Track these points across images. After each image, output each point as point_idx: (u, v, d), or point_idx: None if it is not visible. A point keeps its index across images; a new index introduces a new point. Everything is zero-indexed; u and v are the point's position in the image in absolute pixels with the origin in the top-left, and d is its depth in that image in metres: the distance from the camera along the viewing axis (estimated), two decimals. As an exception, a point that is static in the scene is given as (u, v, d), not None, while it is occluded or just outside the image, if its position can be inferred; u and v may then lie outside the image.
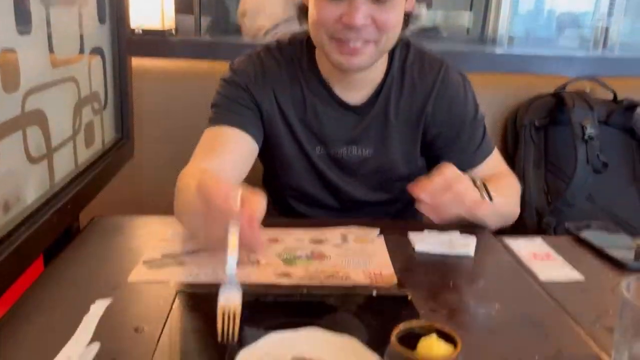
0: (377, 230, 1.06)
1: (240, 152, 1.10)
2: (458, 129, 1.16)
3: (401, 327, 0.60)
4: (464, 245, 0.99)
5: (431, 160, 1.19)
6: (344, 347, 0.66)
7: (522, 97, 1.74)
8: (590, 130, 1.52)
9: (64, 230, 0.96)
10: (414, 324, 0.61)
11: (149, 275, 0.86)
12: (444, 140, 1.17)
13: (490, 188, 1.00)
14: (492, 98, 1.73)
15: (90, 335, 0.63)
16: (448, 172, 0.93)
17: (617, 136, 1.64)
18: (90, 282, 0.83)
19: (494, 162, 1.19)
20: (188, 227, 0.95)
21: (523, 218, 1.48)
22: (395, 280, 0.87)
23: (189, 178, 0.93)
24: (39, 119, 0.90)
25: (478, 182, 0.99)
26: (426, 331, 0.61)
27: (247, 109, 1.12)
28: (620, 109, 1.65)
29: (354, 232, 1.06)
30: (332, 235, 1.05)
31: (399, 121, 1.15)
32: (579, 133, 1.53)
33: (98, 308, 0.65)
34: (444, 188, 0.92)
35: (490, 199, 0.98)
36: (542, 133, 1.65)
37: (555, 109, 1.65)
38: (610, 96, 1.70)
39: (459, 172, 0.94)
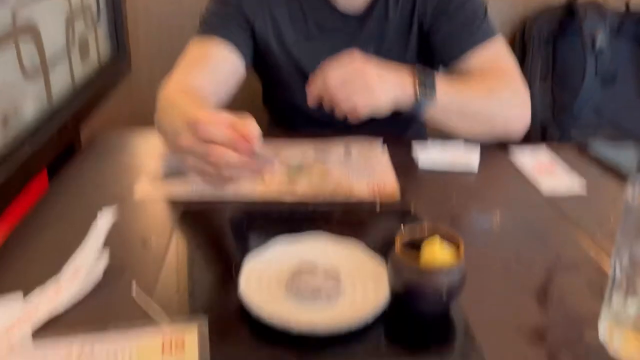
0: (380, 145, 1.05)
1: (225, 70, 1.05)
2: (450, 14, 1.08)
3: (405, 231, 0.61)
4: (467, 160, 0.99)
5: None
6: (349, 251, 0.67)
7: (533, 9, 1.68)
8: (601, 41, 1.48)
9: (65, 146, 0.95)
10: (417, 228, 0.62)
11: (153, 191, 0.86)
12: (436, 29, 1.09)
13: (456, 82, 0.93)
14: (501, 10, 1.67)
15: (99, 246, 0.64)
16: (335, 63, 0.88)
17: (628, 47, 1.59)
18: (95, 197, 0.84)
19: (490, 55, 1.06)
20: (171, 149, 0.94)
21: (527, 131, 1.46)
22: (398, 192, 0.88)
23: (171, 97, 0.91)
24: (31, 31, 0.87)
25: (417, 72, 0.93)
26: (430, 236, 0.61)
27: (236, 25, 1.07)
28: (632, 19, 1.59)
29: (357, 147, 1.06)
30: (336, 149, 1.04)
31: (396, 22, 1.10)
32: (589, 44, 1.48)
33: (106, 217, 0.66)
34: (338, 79, 0.87)
35: (432, 88, 0.92)
36: (550, 45, 1.60)
37: (565, 19, 1.59)
38: (622, 7, 1.64)
39: (352, 58, 0.90)
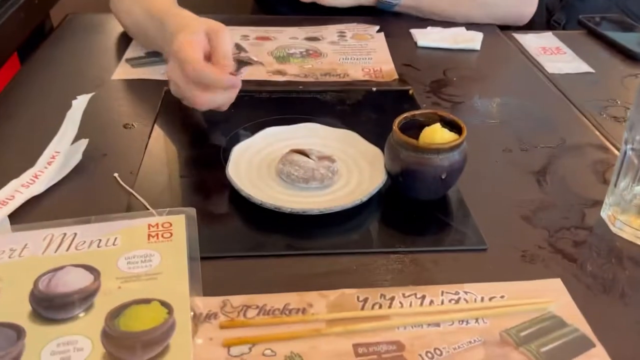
0: (377, 27, 0.98)
1: None
2: None
3: (403, 116, 0.57)
4: (470, 39, 0.93)
5: None
6: (342, 139, 0.64)
7: None
8: None
9: (35, 27, 0.88)
10: (416, 113, 0.58)
11: (133, 74, 0.80)
12: None
13: None
14: None
15: (75, 130, 0.60)
16: None
17: None
18: (71, 80, 0.78)
19: None
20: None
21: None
22: (396, 75, 0.83)
23: None
24: None
25: None
26: (430, 121, 0.57)
27: None
28: None
29: (352, 29, 0.99)
30: (329, 32, 0.97)
31: None
32: None
33: (80, 102, 0.61)
34: None
35: None
36: None
37: None
38: None
39: None
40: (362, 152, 0.61)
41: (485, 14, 0.99)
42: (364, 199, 0.53)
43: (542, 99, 0.78)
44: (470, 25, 0.97)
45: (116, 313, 0.43)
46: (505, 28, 1.01)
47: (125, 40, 0.89)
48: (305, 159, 0.57)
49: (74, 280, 0.46)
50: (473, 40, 0.92)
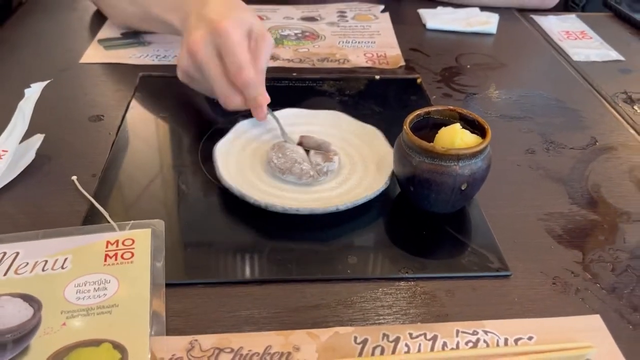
0: (381, 6, 0.89)
1: None
2: None
3: (416, 113, 0.48)
4: (485, 21, 0.84)
5: None
6: (363, 135, 0.56)
7: None
8: None
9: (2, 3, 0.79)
10: (431, 110, 0.49)
11: (105, 57, 0.71)
12: None
13: None
14: None
15: (26, 124, 0.51)
16: None
17: None
18: (34, 63, 0.69)
19: None
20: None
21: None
22: (402, 62, 0.73)
23: None
24: None
25: None
26: (447, 119, 0.49)
27: None
28: None
29: (353, 8, 0.89)
30: (328, 11, 0.88)
31: None
32: None
33: (34, 91, 0.52)
34: None
35: None
36: None
37: None
38: None
39: None
40: (375, 151, 0.53)
41: None
42: (341, 208, 0.45)
43: (568, 90, 0.69)
44: (485, 7, 0.88)
45: (57, 359, 0.35)
46: (522, 9, 0.92)
47: (99, 19, 0.79)
48: (296, 148, 0.50)
49: (10, 315, 0.37)
50: (488, 22, 0.83)
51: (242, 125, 0.55)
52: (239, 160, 0.52)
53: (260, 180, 0.50)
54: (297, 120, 0.57)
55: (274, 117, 0.56)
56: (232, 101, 0.54)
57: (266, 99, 0.54)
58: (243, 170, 0.51)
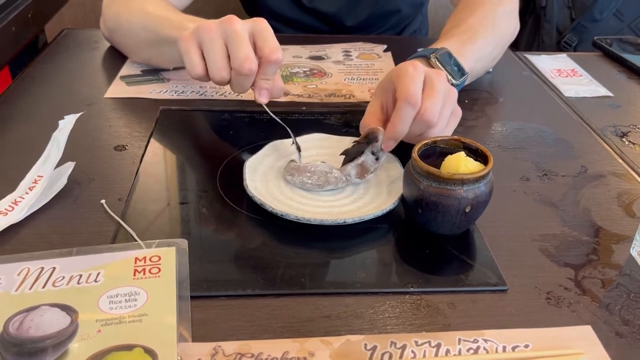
0: (384, 46, 0.95)
1: None
2: None
3: (423, 142, 0.53)
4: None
5: None
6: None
7: None
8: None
9: (29, 42, 0.84)
10: (437, 139, 0.54)
11: (128, 92, 0.76)
12: None
13: (463, 38, 0.73)
14: None
15: (60, 152, 0.55)
16: (437, 84, 0.58)
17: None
18: (62, 98, 0.74)
19: None
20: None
21: (541, 35, 1.35)
22: (404, 97, 0.78)
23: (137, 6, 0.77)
24: None
25: (432, 60, 0.69)
26: (452, 148, 0.53)
27: None
28: None
29: (358, 48, 0.95)
30: (334, 51, 0.93)
31: None
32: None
33: (67, 122, 0.56)
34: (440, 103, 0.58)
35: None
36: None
37: None
38: None
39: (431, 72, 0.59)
40: (389, 174, 0.59)
41: (502, 49, 0.83)
42: (348, 221, 0.51)
43: (560, 123, 0.74)
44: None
45: (94, 361, 0.38)
46: (514, 49, 0.98)
47: (121, 57, 0.85)
48: (313, 163, 0.56)
49: (49, 323, 0.41)
50: (485, 61, 0.88)
51: (272, 145, 0.62)
52: (265, 173, 0.58)
53: (281, 193, 0.56)
54: (322, 144, 0.63)
55: (292, 136, 0.62)
56: (220, 74, 0.59)
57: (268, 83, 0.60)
58: (267, 183, 0.57)
